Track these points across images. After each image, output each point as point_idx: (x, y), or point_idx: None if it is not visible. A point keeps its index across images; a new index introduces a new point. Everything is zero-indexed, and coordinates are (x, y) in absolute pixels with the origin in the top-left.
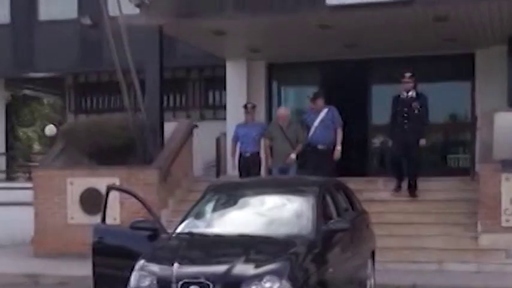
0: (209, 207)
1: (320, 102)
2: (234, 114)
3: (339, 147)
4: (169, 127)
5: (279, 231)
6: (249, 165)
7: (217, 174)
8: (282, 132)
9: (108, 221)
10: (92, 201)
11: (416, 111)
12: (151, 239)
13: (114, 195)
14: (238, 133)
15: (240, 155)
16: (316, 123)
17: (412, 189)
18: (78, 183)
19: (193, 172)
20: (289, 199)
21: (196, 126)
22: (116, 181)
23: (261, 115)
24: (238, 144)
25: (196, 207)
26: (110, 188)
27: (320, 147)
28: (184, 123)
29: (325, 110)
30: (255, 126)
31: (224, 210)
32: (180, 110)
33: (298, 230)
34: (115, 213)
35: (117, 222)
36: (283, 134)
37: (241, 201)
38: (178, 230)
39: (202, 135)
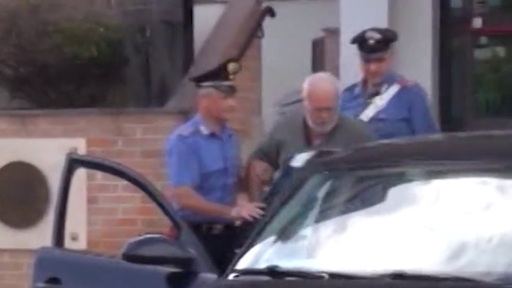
0: (316, 209)
1: (385, 61)
2: None
3: None
4: (206, 15)
5: None
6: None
7: None
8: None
9: (70, 242)
10: (24, 195)
11: None
12: (177, 284)
13: (79, 179)
14: (196, 154)
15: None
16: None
17: None
18: None
19: (261, 122)
20: None
21: (271, 12)
22: (81, 145)
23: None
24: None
25: (285, 208)
26: (72, 161)
27: None
28: (243, 5)
29: (391, 90)
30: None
31: (365, 218)
32: None
33: None
34: (80, 222)
35: (82, 244)
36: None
37: (406, 197)
38: (244, 263)
39: (281, 34)
